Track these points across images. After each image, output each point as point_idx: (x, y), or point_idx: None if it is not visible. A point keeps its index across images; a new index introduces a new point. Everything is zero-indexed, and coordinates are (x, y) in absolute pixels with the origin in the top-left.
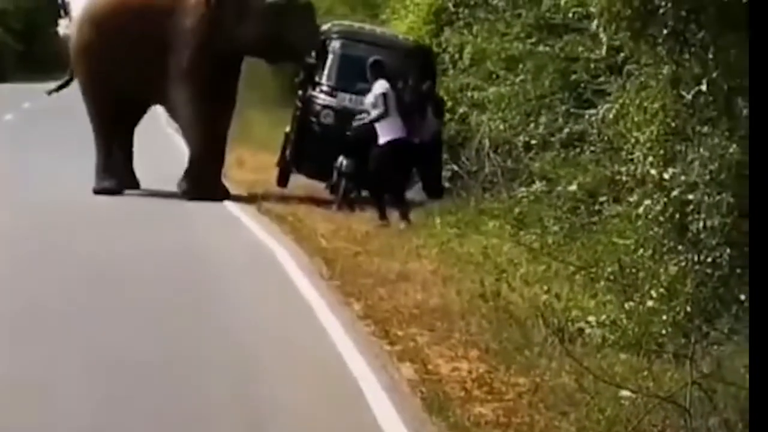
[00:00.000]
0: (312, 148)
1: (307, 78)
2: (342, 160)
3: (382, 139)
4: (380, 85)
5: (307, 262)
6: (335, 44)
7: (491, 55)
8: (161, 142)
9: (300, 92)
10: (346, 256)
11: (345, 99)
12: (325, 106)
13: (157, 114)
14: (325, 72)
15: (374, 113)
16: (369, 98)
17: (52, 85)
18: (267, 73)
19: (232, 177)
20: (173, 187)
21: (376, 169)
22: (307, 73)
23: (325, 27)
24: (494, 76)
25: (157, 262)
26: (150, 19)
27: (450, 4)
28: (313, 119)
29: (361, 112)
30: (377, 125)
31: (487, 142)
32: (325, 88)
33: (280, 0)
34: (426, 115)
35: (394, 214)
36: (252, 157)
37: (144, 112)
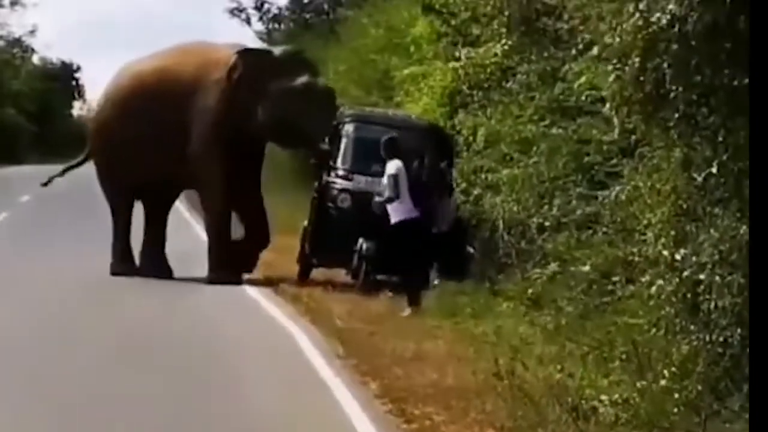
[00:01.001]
0: (331, 234)
1: (321, 165)
2: (362, 243)
3: (393, 220)
4: (393, 166)
5: (323, 342)
6: (348, 128)
7: (505, 137)
8: (174, 223)
9: (316, 182)
10: (362, 337)
11: (361, 182)
12: (341, 190)
13: None
14: (340, 156)
15: (385, 195)
16: (384, 179)
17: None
18: (284, 154)
19: None
20: (185, 270)
21: (388, 250)
22: (322, 161)
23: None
24: (508, 158)
25: (176, 343)
26: (171, 100)
27: (464, 87)
28: (331, 204)
29: (378, 194)
30: (388, 207)
31: (501, 223)
32: (340, 171)
33: (298, 85)
34: (444, 196)
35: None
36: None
37: (174, 196)
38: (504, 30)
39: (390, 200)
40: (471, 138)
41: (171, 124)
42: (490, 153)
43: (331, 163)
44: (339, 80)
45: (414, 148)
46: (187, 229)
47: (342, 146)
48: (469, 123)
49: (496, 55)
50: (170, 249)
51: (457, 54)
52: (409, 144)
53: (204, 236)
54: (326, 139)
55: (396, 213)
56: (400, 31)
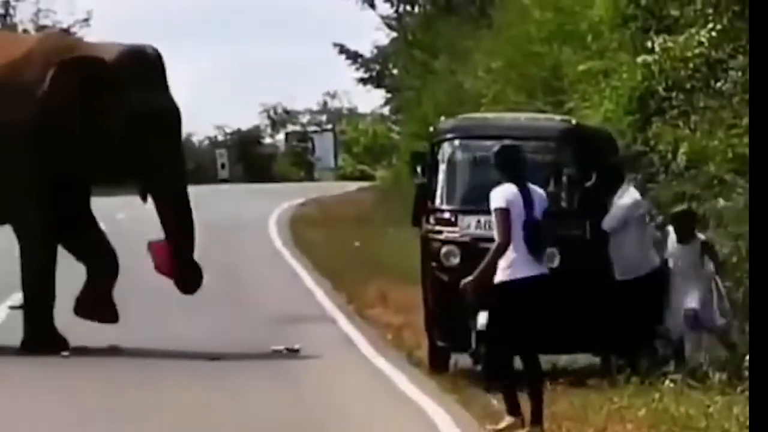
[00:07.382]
0: (442, 304)
1: (418, 206)
2: (481, 318)
3: (496, 278)
4: (501, 194)
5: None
6: (447, 148)
7: (714, 155)
8: None
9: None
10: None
11: (471, 224)
12: (444, 242)
13: None
14: (438, 191)
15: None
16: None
17: None
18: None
19: (375, 318)
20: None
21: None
22: (419, 200)
23: (433, 127)
24: (719, 182)
25: None
26: None
27: (659, 88)
28: (435, 264)
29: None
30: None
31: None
32: (440, 214)
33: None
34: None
35: None
36: (398, 291)
37: None
38: (711, 10)
39: (500, 249)
40: (670, 156)
41: None
42: (695, 175)
43: (429, 203)
44: (492, 80)
45: (547, 162)
46: None
47: (440, 176)
48: (668, 136)
49: (701, 44)
50: None
51: (648, 44)
52: (540, 158)
53: None
54: (418, 169)
55: (502, 269)
56: (573, 14)
